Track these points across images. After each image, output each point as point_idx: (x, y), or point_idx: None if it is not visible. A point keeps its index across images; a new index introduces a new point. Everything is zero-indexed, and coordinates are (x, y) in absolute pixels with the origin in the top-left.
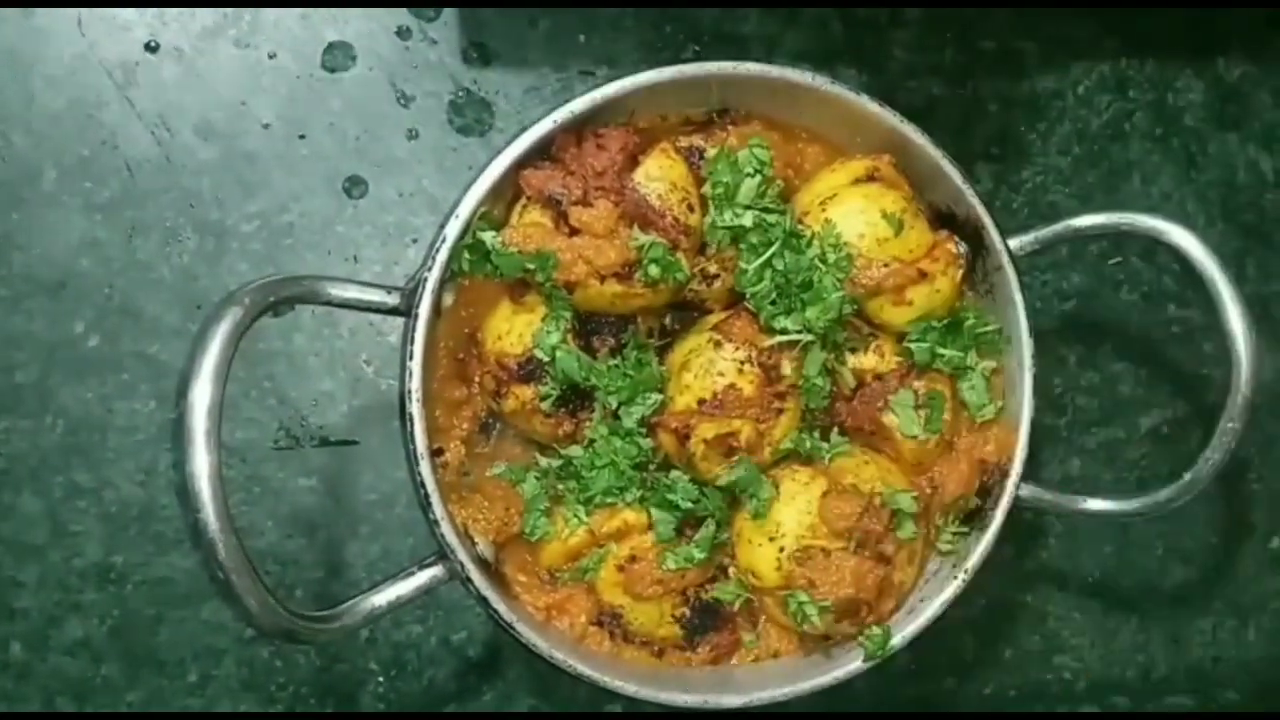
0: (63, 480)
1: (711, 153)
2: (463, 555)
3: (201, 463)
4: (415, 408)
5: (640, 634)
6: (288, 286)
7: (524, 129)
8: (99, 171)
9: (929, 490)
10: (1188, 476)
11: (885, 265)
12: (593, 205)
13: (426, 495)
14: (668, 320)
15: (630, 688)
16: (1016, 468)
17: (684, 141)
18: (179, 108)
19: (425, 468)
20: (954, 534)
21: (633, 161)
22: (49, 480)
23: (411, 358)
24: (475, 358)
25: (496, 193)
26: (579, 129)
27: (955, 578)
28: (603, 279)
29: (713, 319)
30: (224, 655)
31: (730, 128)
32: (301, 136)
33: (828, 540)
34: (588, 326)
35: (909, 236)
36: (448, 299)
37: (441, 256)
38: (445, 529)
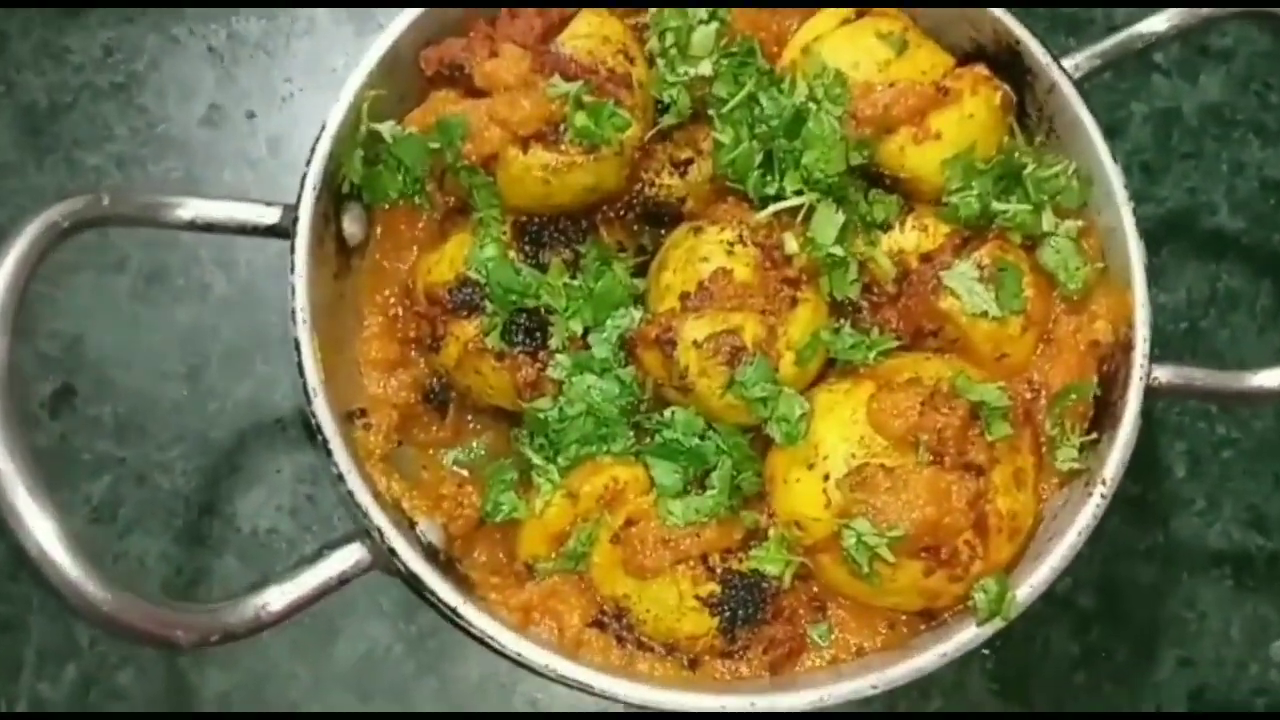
0: None
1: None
2: (383, 520)
3: None
4: (303, 331)
5: (658, 635)
6: (93, 208)
7: None
8: None
9: (1028, 395)
10: None
11: (891, 87)
12: (498, 55)
13: (325, 440)
14: (645, 241)
15: (640, 692)
16: (1142, 333)
17: (630, 21)
18: None
19: (322, 404)
20: (1080, 444)
21: (556, 30)
22: None
23: (294, 270)
24: (409, 309)
25: (398, 86)
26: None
27: (1089, 494)
28: (525, 145)
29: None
30: None
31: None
32: None
33: (888, 455)
34: (535, 236)
35: (917, 56)
36: (352, 228)
37: (323, 147)
38: (355, 484)
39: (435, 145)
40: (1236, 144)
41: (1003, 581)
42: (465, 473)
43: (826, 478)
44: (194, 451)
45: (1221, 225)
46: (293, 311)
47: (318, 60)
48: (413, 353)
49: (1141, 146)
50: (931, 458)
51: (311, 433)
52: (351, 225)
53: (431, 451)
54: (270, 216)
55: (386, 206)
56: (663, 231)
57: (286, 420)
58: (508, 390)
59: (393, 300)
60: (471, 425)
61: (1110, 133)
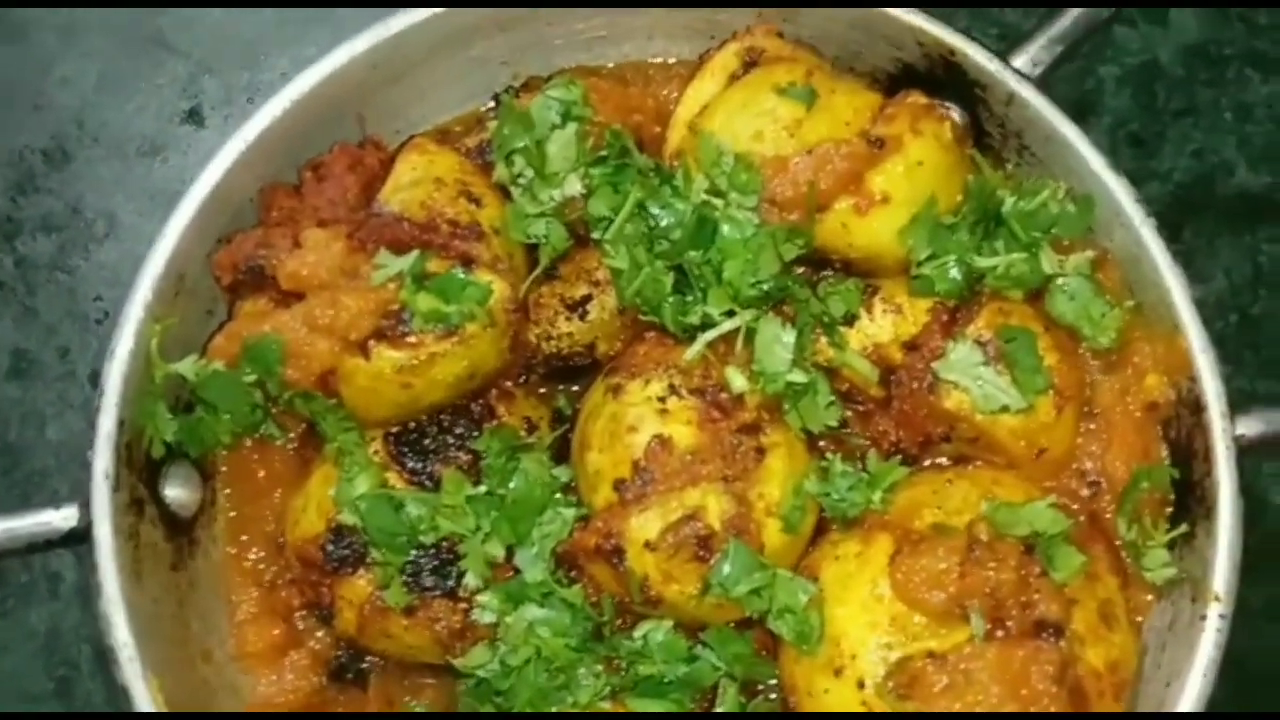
0: None
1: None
2: None
3: None
4: (133, 674)
5: None
6: None
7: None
8: None
9: (1084, 491)
10: None
11: (808, 155)
12: (300, 245)
13: None
14: (562, 404)
15: None
16: (1211, 385)
17: (472, 141)
18: None
19: None
20: (1167, 544)
21: (379, 182)
22: None
23: (101, 594)
24: (284, 569)
25: (196, 301)
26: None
27: (1202, 617)
28: (364, 349)
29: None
30: None
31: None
32: None
33: (934, 636)
34: (415, 445)
35: (833, 104)
36: (179, 494)
37: (107, 422)
38: None
39: (248, 377)
40: (1234, 84)
41: None
42: None
43: (861, 684)
44: None
45: (1244, 185)
46: (110, 649)
47: (129, 264)
48: (303, 624)
49: (1124, 117)
50: (989, 625)
51: None
52: (178, 492)
53: None
54: (66, 520)
55: (223, 451)
56: (576, 388)
57: None
58: (431, 647)
59: (262, 564)
60: (403, 688)
61: (1082, 110)
